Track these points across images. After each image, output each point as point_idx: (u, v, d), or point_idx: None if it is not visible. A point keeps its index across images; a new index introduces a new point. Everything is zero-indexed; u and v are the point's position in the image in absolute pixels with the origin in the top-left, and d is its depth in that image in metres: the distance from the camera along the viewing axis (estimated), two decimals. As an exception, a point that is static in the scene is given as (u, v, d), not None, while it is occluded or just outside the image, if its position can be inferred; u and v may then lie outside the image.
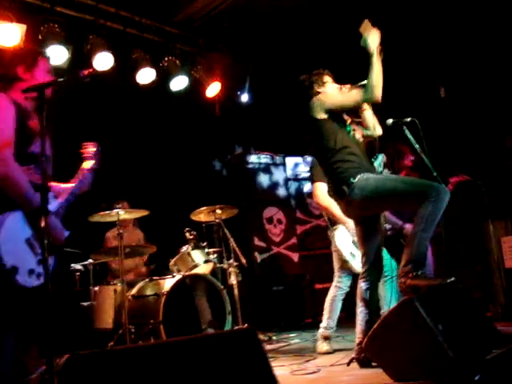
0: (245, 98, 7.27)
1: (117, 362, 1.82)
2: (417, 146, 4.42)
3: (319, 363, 3.99)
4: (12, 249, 2.56)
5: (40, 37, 5.56)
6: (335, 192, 3.82)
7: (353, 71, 3.90)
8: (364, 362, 3.61)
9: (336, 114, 3.77)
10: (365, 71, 3.71)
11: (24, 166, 2.76)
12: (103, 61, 5.82)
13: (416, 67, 6.71)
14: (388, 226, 5.16)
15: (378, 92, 3.61)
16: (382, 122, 4.65)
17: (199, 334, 4.06)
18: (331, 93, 3.86)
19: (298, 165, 7.54)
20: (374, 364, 3.55)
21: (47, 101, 2.67)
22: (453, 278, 3.23)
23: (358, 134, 4.03)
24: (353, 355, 3.70)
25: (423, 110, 5.11)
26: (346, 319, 6.39)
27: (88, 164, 3.26)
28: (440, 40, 6.51)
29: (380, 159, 4.89)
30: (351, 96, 3.75)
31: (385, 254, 4.82)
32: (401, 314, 3.08)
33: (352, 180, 3.51)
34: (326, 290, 5.89)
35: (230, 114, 7.21)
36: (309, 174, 5.13)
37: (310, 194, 6.25)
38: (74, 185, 3.10)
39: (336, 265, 4.80)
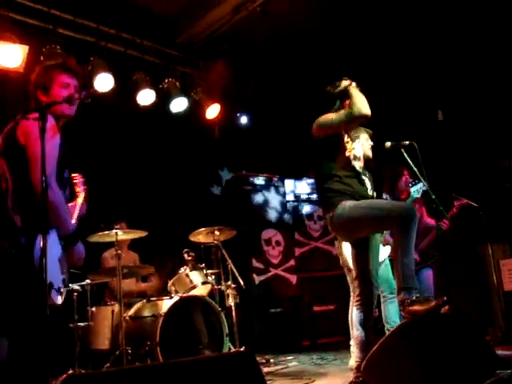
0: (244, 120, 7.32)
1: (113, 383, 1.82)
2: (415, 169, 4.46)
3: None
4: (49, 267, 2.55)
5: (42, 58, 5.63)
6: (323, 217, 3.88)
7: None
8: None
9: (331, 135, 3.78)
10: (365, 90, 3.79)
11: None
12: (104, 82, 5.87)
13: (414, 91, 6.78)
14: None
15: (363, 107, 3.60)
16: (379, 146, 4.71)
17: (197, 356, 4.04)
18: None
19: (296, 186, 7.55)
20: (372, 388, 3.53)
21: (70, 118, 2.78)
22: (445, 298, 3.25)
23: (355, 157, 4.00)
24: (351, 379, 3.68)
25: (421, 133, 5.14)
26: (345, 342, 6.40)
27: (81, 197, 3.32)
28: (437, 63, 6.59)
29: (419, 186, 4.95)
30: (339, 114, 3.72)
31: (389, 273, 4.92)
32: (400, 338, 3.07)
33: (334, 207, 3.60)
34: (324, 313, 5.92)
35: (229, 136, 7.26)
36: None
37: (310, 216, 6.28)
38: (78, 207, 3.15)
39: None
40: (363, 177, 3.87)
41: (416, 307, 3.33)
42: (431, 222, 5.64)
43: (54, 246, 2.70)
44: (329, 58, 6.71)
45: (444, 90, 6.71)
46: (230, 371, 2.06)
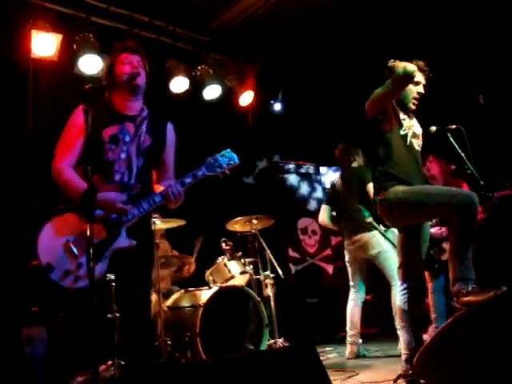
0: (278, 107, 7.17)
1: (175, 376, 1.71)
2: (462, 154, 4.27)
3: (363, 379, 3.82)
4: (49, 249, 2.67)
5: (75, 46, 5.56)
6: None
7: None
8: (412, 380, 3.45)
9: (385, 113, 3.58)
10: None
11: (96, 176, 2.77)
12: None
13: (455, 75, 6.54)
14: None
15: (406, 65, 3.36)
16: (424, 131, 4.52)
17: (259, 350, 3.96)
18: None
19: (332, 174, 7.38)
20: (422, 382, 3.39)
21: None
22: (504, 288, 3.08)
23: (415, 135, 3.79)
24: (399, 372, 3.53)
25: (462, 118, 4.94)
26: (381, 333, 6.25)
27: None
28: (478, 48, 6.35)
29: None
30: (386, 83, 3.46)
31: None
32: (455, 331, 2.91)
33: (385, 191, 3.45)
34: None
35: (263, 124, 7.11)
36: None
37: (325, 201, 6.12)
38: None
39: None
40: (419, 158, 3.69)
41: (471, 297, 3.17)
42: None
43: (63, 230, 2.73)
44: (364, 42, 6.51)
45: (485, 74, 6.46)
46: (293, 364, 1.95)
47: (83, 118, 2.67)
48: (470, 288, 3.19)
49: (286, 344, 5.12)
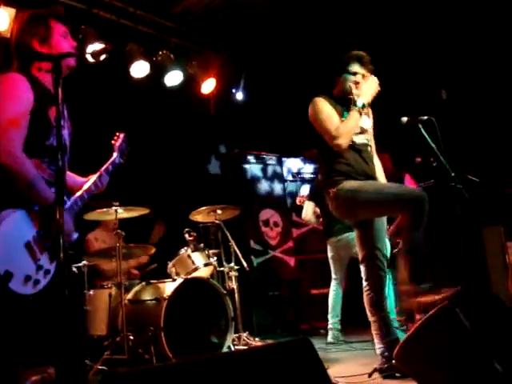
0: (240, 96, 6.99)
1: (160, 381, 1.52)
2: (433, 145, 4.23)
3: (336, 373, 3.70)
4: (6, 254, 2.23)
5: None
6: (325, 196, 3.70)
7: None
8: (387, 374, 3.38)
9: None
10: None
11: (37, 160, 2.43)
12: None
13: (417, 70, 6.54)
14: None
15: (344, 140, 3.41)
16: (396, 121, 4.46)
17: (253, 346, 3.79)
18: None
19: (294, 166, 7.27)
20: (397, 375, 3.33)
21: (69, 73, 2.37)
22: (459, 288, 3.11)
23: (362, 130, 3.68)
24: (375, 366, 3.45)
25: (424, 112, 4.92)
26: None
27: (113, 158, 2.92)
28: (441, 42, 6.36)
29: None
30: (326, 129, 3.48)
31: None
32: (439, 322, 2.83)
33: (333, 188, 3.47)
34: (323, 296, 5.69)
35: (224, 112, 6.92)
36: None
37: (308, 196, 6.02)
38: (91, 181, 2.74)
39: None
40: (366, 153, 3.63)
41: (425, 298, 3.13)
42: None
43: (20, 229, 2.32)
44: (330, 31, 6.41)
45: (447, 68, 6.48)
46: (290, 359, 1.80)
47: (31, 90, 2.39)
48: (423, 287, 3.17)
49: (250, 338, 5.00)
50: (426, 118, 4.28)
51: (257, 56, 6.96)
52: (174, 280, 4.49)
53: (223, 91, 6.86)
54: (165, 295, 4.23)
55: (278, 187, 6.95)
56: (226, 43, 6.79)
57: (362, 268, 3.55)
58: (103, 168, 2.83)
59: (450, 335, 2.75)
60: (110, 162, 2.89)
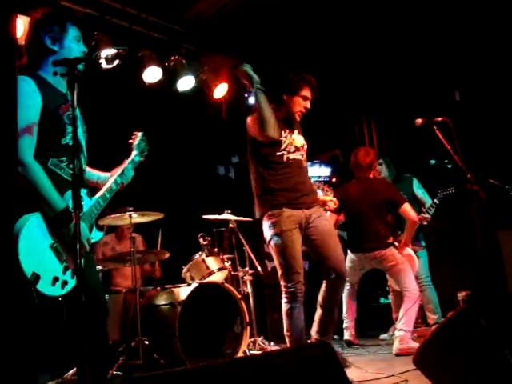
0: (252, 100, 6.95)
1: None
2: (449, 147, 4.18)
3: (353, 377, 3.64)
4: (32, 256, 2.24)
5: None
6: None
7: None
8: None
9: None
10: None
11: (56, 159, 2.44)
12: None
13: (431, 71, 6.48)
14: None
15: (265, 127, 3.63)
16: (410, 123, 4.42)
17: (271, 351, 3.79)
18: None
19: (310, 170, 7.20)
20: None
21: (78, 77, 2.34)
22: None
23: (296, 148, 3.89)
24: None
25: (438, 113, 4.87)
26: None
27: (132, 156, 2.93)
28: (454, 43, 6.29)
29: None
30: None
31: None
32: (457, 325, 2.78)
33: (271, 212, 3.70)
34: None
35: (237, 117, 6.90)
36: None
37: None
38: (114, 177, 2.74)
39: None
40: (298, 169, 3.92)
41: None
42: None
43: (43, 231, 2.33)
44: (343, 35, 6.37)
45: (461, 70, 6.41)
46: (309, 363, 1.75)
47: (38, 92, 2.38)
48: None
49: (265, 343, 4.96)
50: (440, 119, 4.24)
51: (268, 60, 6.93)
52: (189, 285, 4.46)
53: (235, 96, 6.82)
54: (180, 300, 4.21)
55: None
56: (237, 48, 6.76)
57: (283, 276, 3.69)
58: (124, 163, 2.83)
59: (468, 338, 2.69)
60: (129, 159, 2.90)
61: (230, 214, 5.15)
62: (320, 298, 3.81)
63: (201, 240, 4.91)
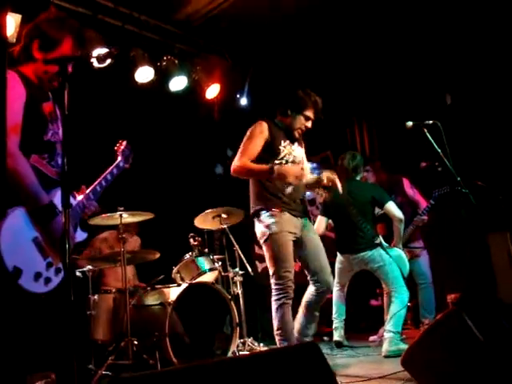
0: (244, 101, 6.97)
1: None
2: (439, 150, 4.21)
3: (343, 379, 3.66)
4: (14, 249, 2.20)
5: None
6: None
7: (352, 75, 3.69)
8: None
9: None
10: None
11: (36, 156, 2.44)
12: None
13: (422, 75, 6.51)
14: None
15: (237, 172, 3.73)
16: (401, 126, 4.45)
17: (260, 351, 3.79)
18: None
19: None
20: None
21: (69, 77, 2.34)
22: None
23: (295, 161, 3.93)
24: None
25: (429, 117, 4.91)
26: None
27: (117, 161, 2.99)
28: (446, 47, 6.33)
29: None
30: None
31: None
32: (445, 327, 2.80)
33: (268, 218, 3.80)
34: (327, 302, 5.62)
35: (229, 117, 6.90)
36: None
37: (312, 201, 5.97)
38: (97, 183, 2.78)
39: None
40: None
41: None
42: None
43: (26, 225, 2.31)
44: (334, 36, 6.39)
45: (452, 73, 6.46)
46: (297, 364, 1.76)
47: (23, 88, 2.39)
48: None
49: (255, 343, 4.96)
50: (431, 122, 4.28)
51: (261, 61, 6.95)
52: (179, 285, 4.46)
53: (228, 96, 6.83)
54: (170, 300, 4.21)
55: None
56: (229, 49, 6.77)
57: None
58: (106, 172, 2.85)
59: (456, 340, 2.72)
60: (114, 165, 2.96)
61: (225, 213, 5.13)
62: (305, 303, 3.96)
63: (191, 240, 4.91)
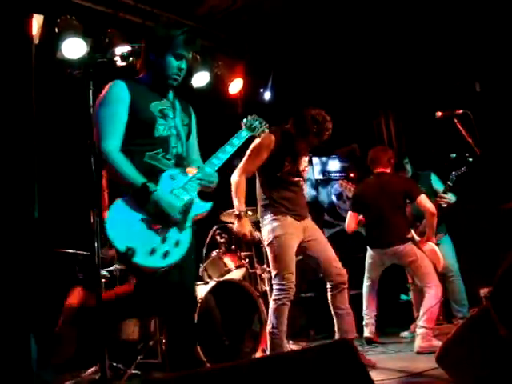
0: (268, 95, 6.94)
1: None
2: (470, 140, 4.13)
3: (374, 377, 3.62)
4: (123, 233, 2.38)
5: (56, 30, 5.25)
6: None
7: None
8: None
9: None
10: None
11: (151, 153, 2.67)
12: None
13: (451, 62, 6.40)
14: None
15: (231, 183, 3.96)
16: (430, 115, 4.38)
17: (292, 350, 3.77)
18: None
19: (326, 164, 7.18)
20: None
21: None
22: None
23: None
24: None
25: (458, 104, 4.82)
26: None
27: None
28: (475, 35, 6.21)
29: None
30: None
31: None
32: (482, 324, 2.74)
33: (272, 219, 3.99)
34: (358, 296, 5.56)
35: (252, 112, 6.87)
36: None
37: (339, 195, 5.93)
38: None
39: None
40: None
41: None
42: None
43: (132, 208, 2.48)
44: (359, 26, 6.32)
45: (481, 60, 6.33)
46: (331, 362, 1.74)
47: (128, 90, 2.65)
48: None
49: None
50: (461, 111, 4.20)
51: (284, 55, 6.90)
52: (207, 283, 4.46)
53: (251, 91, 6.81)
54: (197, 298, 4.21)
55: (308, 186, 6.87)
56: (252, 43, 6.74)
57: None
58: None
59: (492, 338, 2.66)
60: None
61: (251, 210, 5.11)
62: (331, 307, 4.11)
63: (218, 237, 4.91)
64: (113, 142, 2.57)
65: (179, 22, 6.15)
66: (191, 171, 2.75)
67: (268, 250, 3.96)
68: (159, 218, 2.47)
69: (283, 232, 3.85)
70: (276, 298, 3.81)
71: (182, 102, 2.99)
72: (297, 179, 4.09)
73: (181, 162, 2.81)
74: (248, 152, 3.97)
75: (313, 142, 4.03)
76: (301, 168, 4.12)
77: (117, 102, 2.63)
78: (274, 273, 3.87)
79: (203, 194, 2.76)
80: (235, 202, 3.91)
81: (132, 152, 2.61)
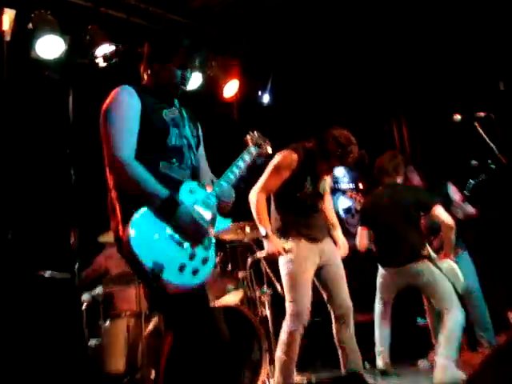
0: (266, 98, 6.94)
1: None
2: (492, 145, 4.11)
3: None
4: (149, 248, 2.39)
5: (30, 26, 5.21)
6: None
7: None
8: None
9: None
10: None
11: (166, 163, 2.70)
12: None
13: (475, 61, 6.42)
14: None
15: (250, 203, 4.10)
16: (447, 118, 4.37)
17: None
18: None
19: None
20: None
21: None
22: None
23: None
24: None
25: (482, 104, 4.80)
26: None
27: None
28: (498, 31, 6.23)
29: None
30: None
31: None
32: (507, 354, 2.70)
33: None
34: (369, 324, 5.48)
35: (249, 116, 6.86)
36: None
37: (347, 210, 5.89)
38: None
39: None
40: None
41: None
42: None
43: (157, 223, 2.48)
44: (369, 26, 6.33)
45: (505, 59, 6.35)
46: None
47: (138, 97, 2.67)
48: None
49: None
50: (483, 114, 4.18)
51: (285, 53, 6.90)
52: (200, 307, 4.40)
53: (248, 94, 6.79)
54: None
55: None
56: (249, 39, 6.73)
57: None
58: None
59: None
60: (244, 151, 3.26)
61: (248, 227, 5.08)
62: (337, 340, 4.20)
63: (213, 256, 4.86)
64: (129, 151, 2.58)
65: (183, 24, 6.20)
66: (208, 186, 2.81)
67: (282, 274, 4.09)
68: (186, 233, 2.50)
69: (298, 255, 3.98)
70: (289, 324, 3.94)
71: (187, 111, 3.01)
72: (315, 202, 4.22)
73: (196, 173, 2.89)
74: (268, 170, 4.08)
75: (335, 165, 4.18)
76: (320, 190, 4.26)
77: (129, 109, 2.65)
78: (288, 297, 3.99)
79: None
80: (258, 222, 4.03)
81: (146, 162, 2.60)
